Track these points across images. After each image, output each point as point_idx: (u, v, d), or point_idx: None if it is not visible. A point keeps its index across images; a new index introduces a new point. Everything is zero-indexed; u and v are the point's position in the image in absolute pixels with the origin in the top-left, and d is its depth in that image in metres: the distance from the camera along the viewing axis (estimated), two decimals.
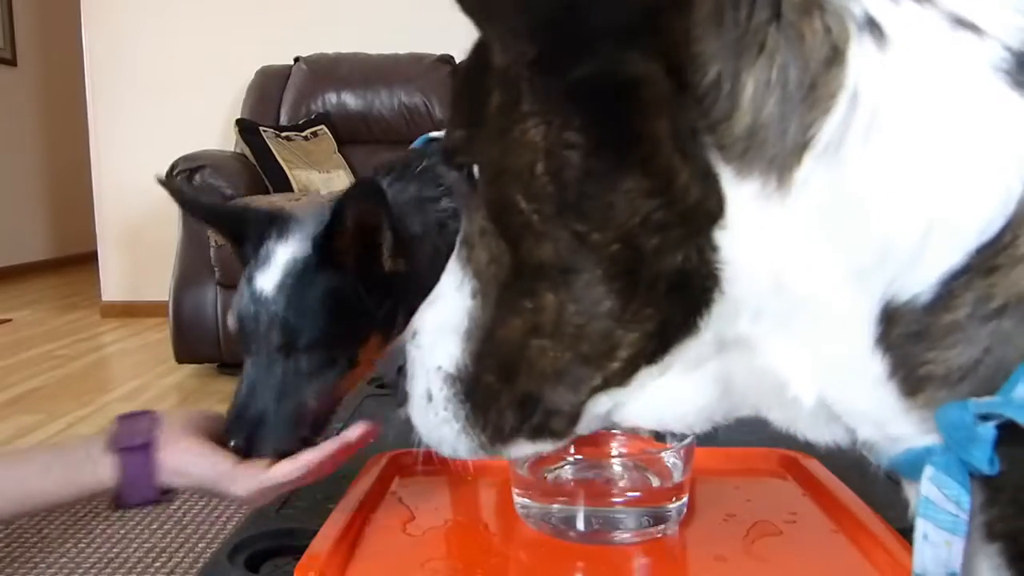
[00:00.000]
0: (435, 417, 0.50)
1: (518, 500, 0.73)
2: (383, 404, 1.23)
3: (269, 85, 3.64)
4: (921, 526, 0.37)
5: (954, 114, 0.36)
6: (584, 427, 0.48)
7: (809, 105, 0.36)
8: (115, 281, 4.07)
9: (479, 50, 0.46)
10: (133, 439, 0.76)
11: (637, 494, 0.72)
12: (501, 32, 0.41)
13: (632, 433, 0.80)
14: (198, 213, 0.99)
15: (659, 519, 0.70)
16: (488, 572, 0.67)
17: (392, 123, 3.54)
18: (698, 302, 0.40)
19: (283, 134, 3.33)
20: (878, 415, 0.39)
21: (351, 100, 3.54)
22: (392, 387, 0.54)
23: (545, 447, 0.49)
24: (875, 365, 0.37)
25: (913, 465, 0.38)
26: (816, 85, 0.36)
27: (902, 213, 0.36)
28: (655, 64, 0.36)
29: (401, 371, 0.52)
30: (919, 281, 0.36)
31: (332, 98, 3.54)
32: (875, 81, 0.36)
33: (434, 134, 1.15)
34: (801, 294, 0.38)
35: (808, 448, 0.86)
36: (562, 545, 0.69)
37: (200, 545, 1.59)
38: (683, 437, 0.73)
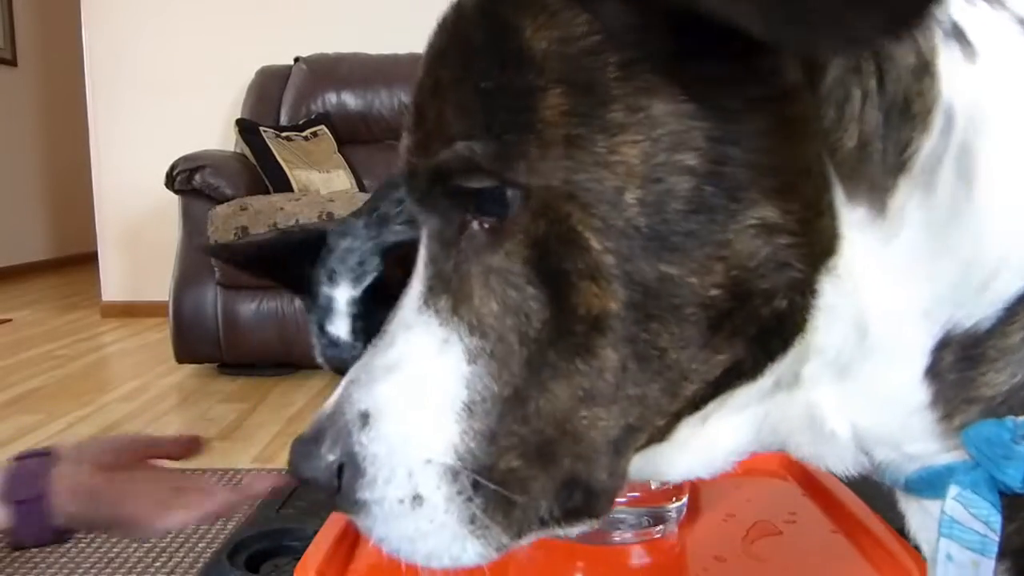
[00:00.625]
0: (428, 525, 0.37)
1: None
2: None
3: (269, 85, 3.64)
4: (944, 546, 0.34)
5: None
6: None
7: (905, 120, 0.32)
8: (115, 281, 4.07)
9: (492, 26, 0.34)
10: (22, 490, 0.73)
11: (637, 494, 0.72)
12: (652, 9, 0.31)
13: None
14: (245, 267, 1.00)
15: (659, 519, 0.70)
16: (488, 572, 0.67)
17: (392, 123, 3.54)
18: (775, 348, 0.35)
19: (283, 134, 3.33)
20: (904, 438, 0.36)
21: (351, 100, 3.54)
22: (325, 491, 0.39)
23: (573, 532, 0.40)
24: (919, 394, 0.35)
25: (930, 483, 0.36)
26: (911, 98, 0.32)
27: (985, 241, 0.33)
28: (800, 71, 0.31)
29: (343, 471, 0.38)
30: (985, 307, 0.33)
31: (332, 98, 3.54)
32: (968, 96, 0.33)
33: None
34: (879, 334, 0.34)
35: None
36: (562, 545, 0.69)
37: (200, 545, 1.58)
38: None
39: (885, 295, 0.34)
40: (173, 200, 2.98)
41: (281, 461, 2.04)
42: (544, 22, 0.33)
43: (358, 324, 0.85)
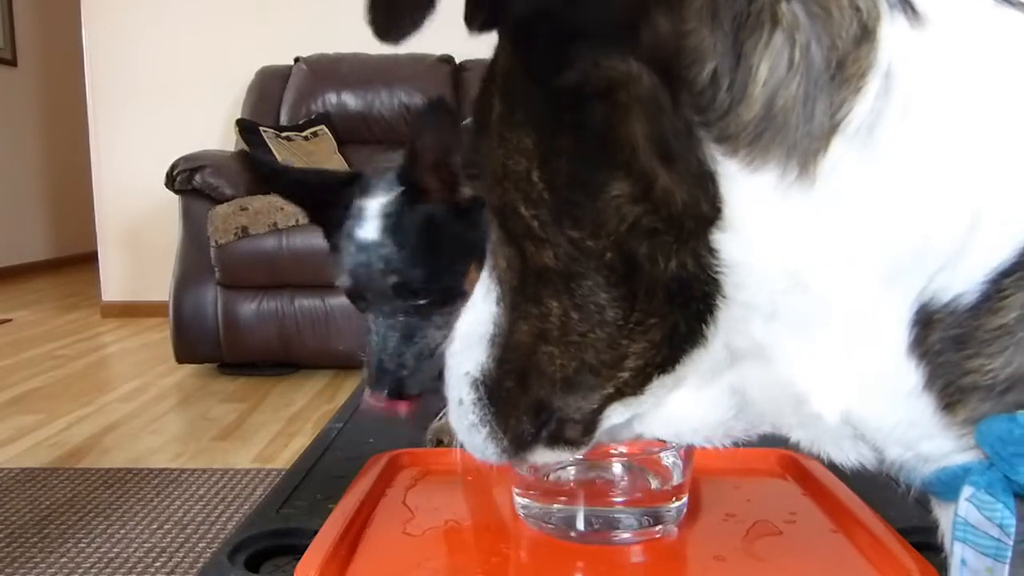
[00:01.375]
0: (465, 422, 0.50)
1: (518, 500, 0.73)
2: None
3: (269, 85, 3.64)
4: (959, 551, 0.34)
5: (1002, 96, 0.33)
6: (606, 436, 0.47)
7: (838, 85, 0.33)
8: (115, 281, 4.07)
9: (492, 60, 0.45)
10: None
11: (637, 494, 0.72)
12: (500, 41, 0.41)
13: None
14: (279, 186, 1.06)
15: (659, 519, 0.70)
16: (488, 572, 0.67)
17: (392, 123, 3.54)
18: (700, 309, 0.38)
19: (283, 134, 3.33)
20: (910, 432, 0.36)
21: (351, 100, 3.55)
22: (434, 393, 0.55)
23: (564, 455, 0.49)
24: (909, 375, 0.34)
25: (948, 485, 0.35)
26: (845, 64, 0.33)
27: (945, 203, 0.33)
28: (637, 65, 0.35)
29: (441, 377, 0.53)
30: (963, 280, 0.33)
31: (332, 98, 3.54)
32: (911, 60, 0.33)
33: None
34: (823, 295, 0.35)
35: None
36: (562, 545, 0.69)
37: (200, 545, 1.59)
38: None
39: (819, 251, 0.34)
40: (173, 200, 2.98)
41: (281, 461, 2.04)
42: (504, 49, 0.42)
43: (389, 222, 0.90)
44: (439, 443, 0.95)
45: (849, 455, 0.39)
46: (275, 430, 2.30)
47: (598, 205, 0.38)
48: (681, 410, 0.43)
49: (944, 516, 0.38)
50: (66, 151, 5.80)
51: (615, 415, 0.45)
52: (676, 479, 0.71)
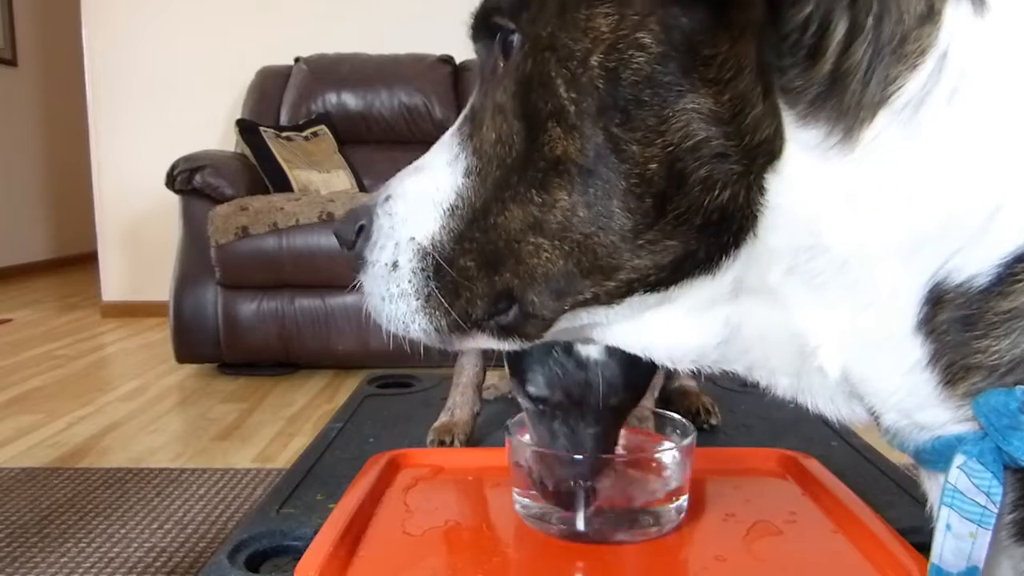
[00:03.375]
0: (395, 289, 0.46)
1: (518, 500, 0.73)
2: (383, 404, 1.23)
3: (269, 85, 3.64)
4: (944, 515, 0.35)
5: None
6: (553, 335, 0.46)
7: (896, 59, 0.34)
8: (115, 281, 4.07)
9: None
10: None
11: (636, 494, 0.72)
12: None
13: (632, 427, 0.80)
14: None
15: (659, 519, 0.70)
16: (488, 572, 0.67)
17: (392, 123, 3.54)
18: (727, 243, 0.38)
19: (283, 134, 3.33)
20: (910, 401, 0.37)
21: (351, 100, 3.54)
22: (346, 245, 0.49)
23: (507, 347, 0.47)
24: (915, 349, 0.35)
25: (940, 454, 0.36)
26: (907, 40, 0.34)
27: (973, 187, 0.34)
28: None
29: (361, 232, 0.48)
30: (979, 262, 0.34)
31: (332, 98, 3.54)
32: (968, 45, 0.34)
33: None
34: (841, 260, 0.36)
35: (807, 448, 0.86)
36: (562, 545, 0.69)
37: (200, 545, 1.58)
38: (684, 435, 0.73)
39: (845, 217, 0.35)
40: (173, 200, 2.98)
41: (281, 461, 2.04)
42: None
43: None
44: (439, 443, 0.95)
45: (841, 410, 0.40)
46: (275, 430, 2.30)
47: (665, 112, 0.36)
48: (660, 326, 0.42)
49: (932, 487, 0.39)
50: (66, 151, 5.79)
51: (576, 319, 0.44)
52: (676, 479, 0.71)
